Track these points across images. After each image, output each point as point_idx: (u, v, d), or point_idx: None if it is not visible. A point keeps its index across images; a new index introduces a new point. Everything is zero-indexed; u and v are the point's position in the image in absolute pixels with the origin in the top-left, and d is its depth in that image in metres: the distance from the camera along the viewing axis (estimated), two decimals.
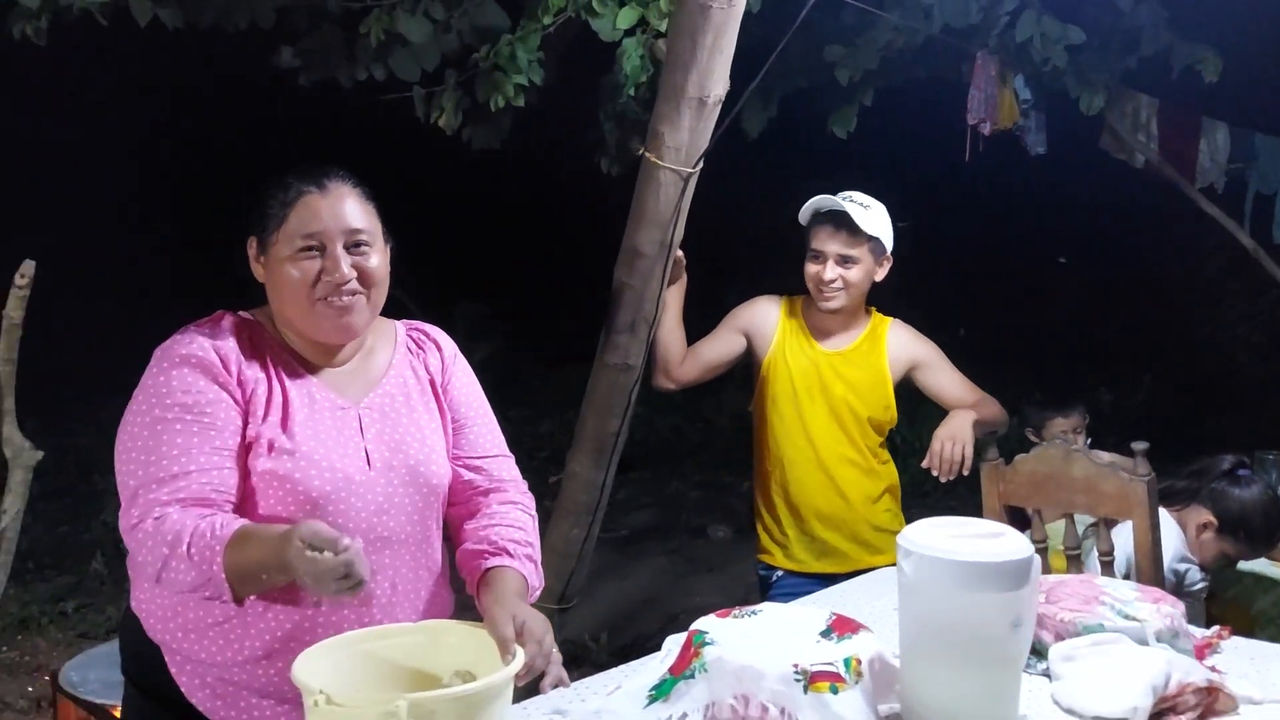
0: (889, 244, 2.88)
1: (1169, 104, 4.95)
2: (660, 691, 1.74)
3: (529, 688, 1.63)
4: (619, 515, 6.53)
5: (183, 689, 1.67)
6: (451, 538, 1.88)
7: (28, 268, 3.03)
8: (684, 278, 3.04)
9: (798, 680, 1.63)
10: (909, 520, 1.75)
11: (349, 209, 1.69)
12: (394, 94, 3.87)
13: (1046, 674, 1.86)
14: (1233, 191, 5.14)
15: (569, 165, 5.27)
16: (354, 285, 1.68)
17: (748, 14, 2.80)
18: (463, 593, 1.82)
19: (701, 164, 2.87)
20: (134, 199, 9.21)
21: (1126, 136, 4.96)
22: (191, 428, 1.59)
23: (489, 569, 1.74)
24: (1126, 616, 1.90)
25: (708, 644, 1.73)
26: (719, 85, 2.80)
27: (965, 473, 2.73)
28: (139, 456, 1.59)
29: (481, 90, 3.75)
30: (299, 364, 1.72)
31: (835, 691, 1.62)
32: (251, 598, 1.61)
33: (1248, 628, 2.97)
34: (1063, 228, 9.24)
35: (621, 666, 1.96)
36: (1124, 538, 2.64)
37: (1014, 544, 1.62)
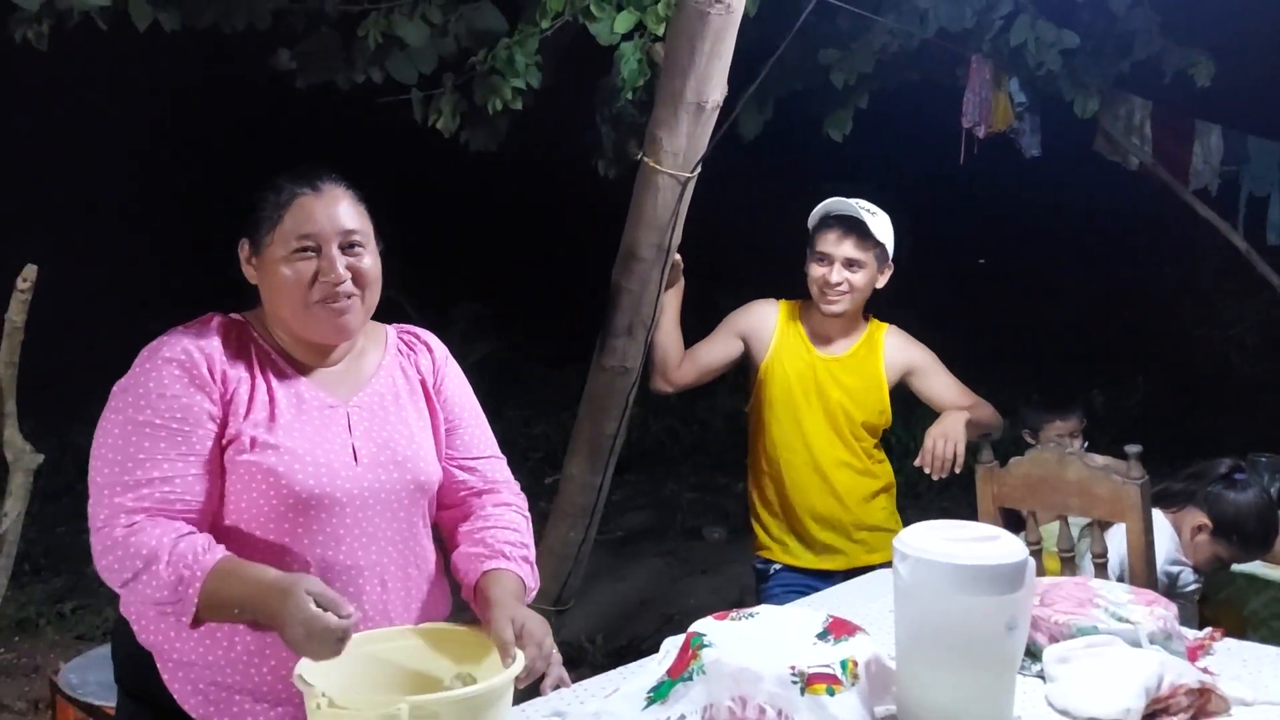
0: (891, 252, 2.90)
1: (1162, 107, 4.97)
2: (658, 693, 1.75)
3: (529, 689, 1.64)
4: (614, 517, 6.54)
5: (175, 695, 1.67)
6: (445, 540, 1.89)
7: (30, 272, 3.04)
8: (681, 281, 3.06)
9: (795, 682, 1.64)
10: (904, 520, 1.77)
11: (343, 210, 1.71)
12: (391, 97, 3.88)
13: (1041, 676, 1.88)
14: (1226, 194, 5.16)
15: (566, 168, 5.28)
16: (349, 286, 1.69)
17: (745, 18, 2.81)
18: (459, 595, 1.83)
19: (699, 168, 2.88)
20: (132, 201, 9.19)
21: (1120, 139, 4.98)
22: (159, 433, 1.60)
23: (486, 572, 1.75)
24: (1120, 619, 1.91)
25: (705, 646, 1.74)
26: (717, 90, 2.81)
27: (958, 470, 2.75)
28: (110, 455, 1.60)
29: (479, 93, 3.76)
30: (288, 364, 1.73)
31: (832, 693, 1.64)
32: None
33: (1240, 629, 2.99)
34: (1057, 230, 9.27)
35: (620, 668, 1.97)
36: (1118, 540, 2.66)
37: (1009, 547, 1.64)
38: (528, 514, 1.91)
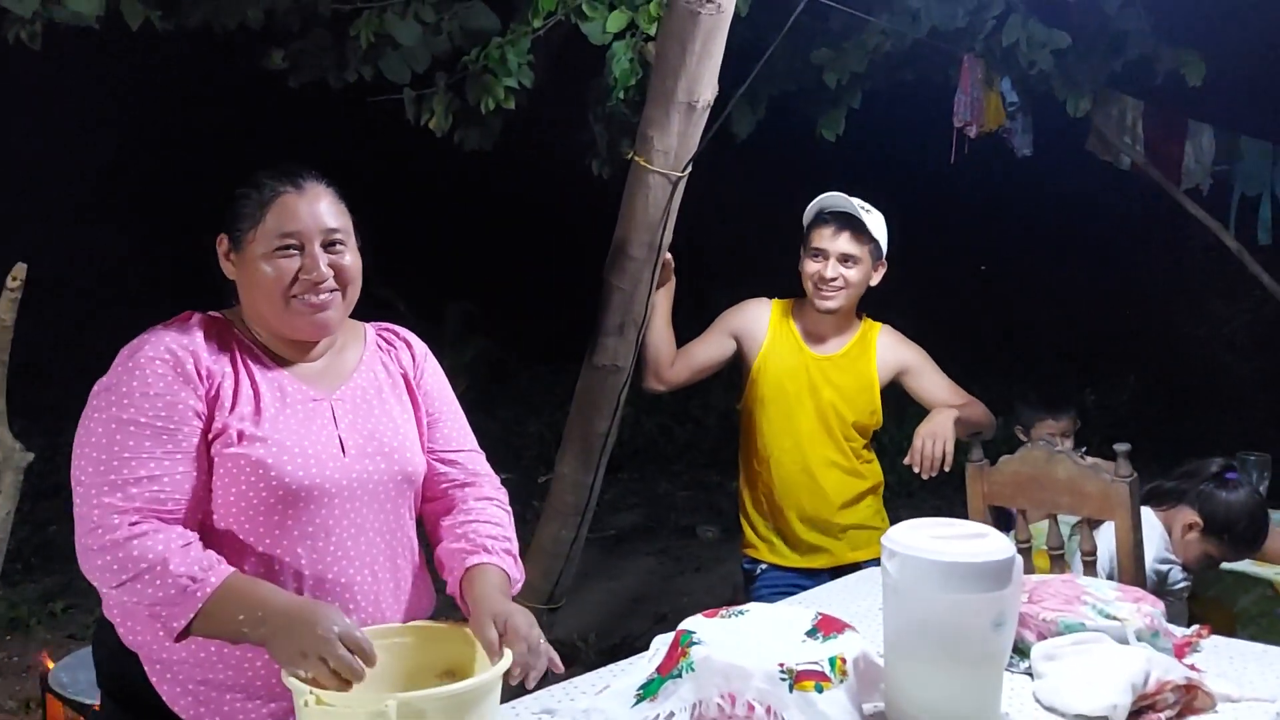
0: (885, 250, 2.91)
1: (1154, 107, 4.99)
2: (648, 690, 1.76)
3: (518, 686, 1.64)
4: (607, 516, 6.55)
5: (164, 697, 1.66)
6: (429, 534, 1.89)
7: (19, 270, 3.04)
8: (673, 280, 3.06)
9: (783, 679, 1.65)
10: (894, 519, 1.77)
11: (325, 208, 1.71)
12: (384, 96, 3.88)
13: (1029, 673, 1.89)
14: (1217, 193, 5.18)
15: (560, 167, 5.29)
16: (331, 283, 1.70)
17: (736, 18, 2.81)
18: (444, 592, 1.84)
19: (690, 168, 2.89)
20: (123, 199, 9.18)
21: (1112, 139, 5.00)
22: (144, 431, 1.59)
23: (470, 567, 1.75)
24: (1107, 616, 1.92)
25: (695, 643, 1.75)
26: (708, 90, 2.82)
27: (947, 469, 2.76)
28: (94, 455, 1.58)
29: (472, 92, 3.76)
30: (269, 359, 1.74)
31: (820, 690, 1.64)
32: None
33: (1230, 627, 3.01)
34: (1049, 229, 9.29)
35: (610, 666, 1.98)
36: (1107, 538, 2.67)
37: (996, 544, 1.65)
38: (508, 508, 1.91)
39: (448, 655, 1.65)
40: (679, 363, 3.01)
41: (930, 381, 2.97)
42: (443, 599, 1.87)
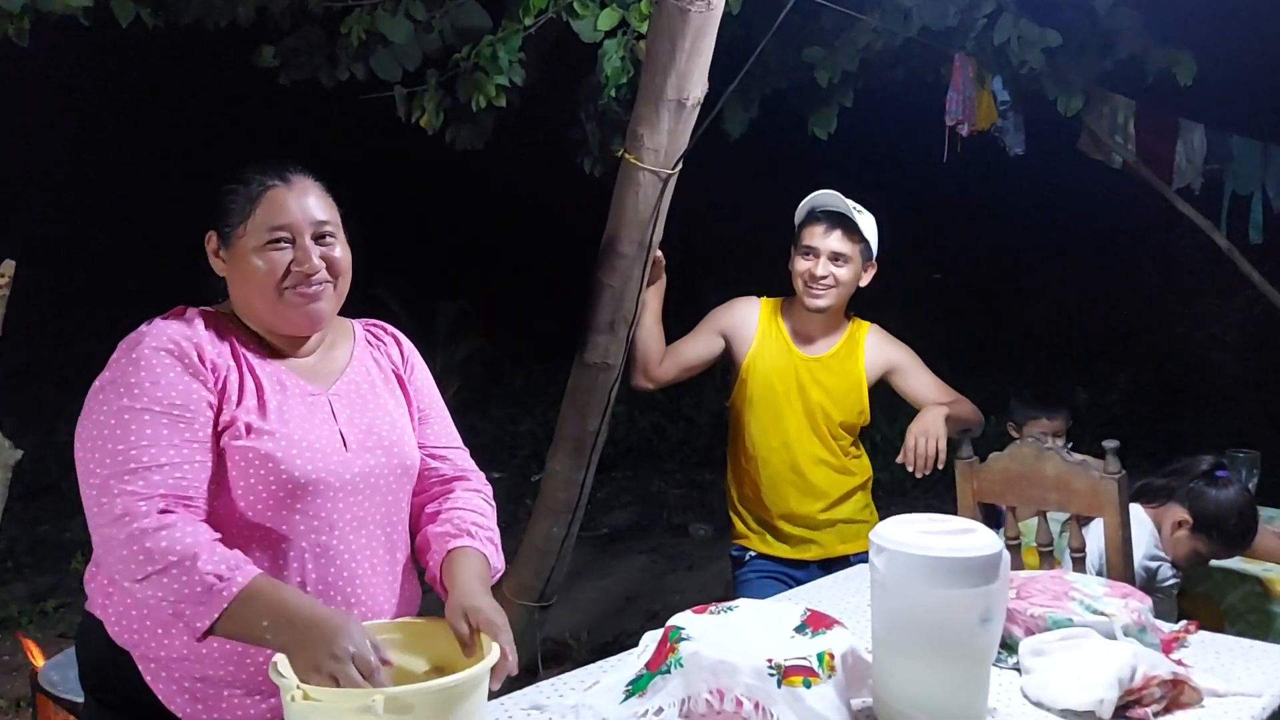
0: (875, 250, 2.92)
1: (1146, 106, 5.00)
2: (637, 686, 1.76)
3: (506, 684, 1.64)
4: (600, 514, 6.55)
5: (159, 696, 1.64)
6: (412, 524, 1.88)
7: (8, 267, 3.03)
8: (663, 278, 3.06)
9: (772, 675, 1.65)
10: (887, 517, 1.77)
11: (313, 201, 1.72)
12: (375, 94, 3.88)
13: (1017, 668, 1.90)
14: (1209, 193, 5.19)
15: (551, 165, 5.29)
16: (323, 275, 1.70)
17: (728, 16, 2.82)
18: (423, 578, 1.83)
19: (680, 165, 2.89)
20: (114, 199, 9.16)
21: (1104, 138, 5.00)
22: (161, 419, 1.57)
23: (451, 550, 1.75)
24: (1095, 611, 1.93)
25: (684, 639, 1.75)
26: (697, 87, 2.82)
27: (940, 467, 2.76)
28: (108, 446, 1.55)
29: (463, 90, 3.76)
30: (266, 352, 1.73)
31: (809, 685, 1.65)
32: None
33: (1219, 623, 3.02)
34: (1040, 228, 9.31)
35: (599, 662, 1.98)
36: (1096, 535, 2.68)
37: (983, 540, 1.65)
38: (493, 502, 1.92)
39: (435, 651, 1.65)
40: (667, 360, 3.01)
41: (918, 380, 2.98)
42: (429, 595, 1.86)
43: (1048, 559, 2.69)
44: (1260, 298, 5.54)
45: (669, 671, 1.73)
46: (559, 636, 4.49)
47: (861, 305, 3.07)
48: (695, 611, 1.88)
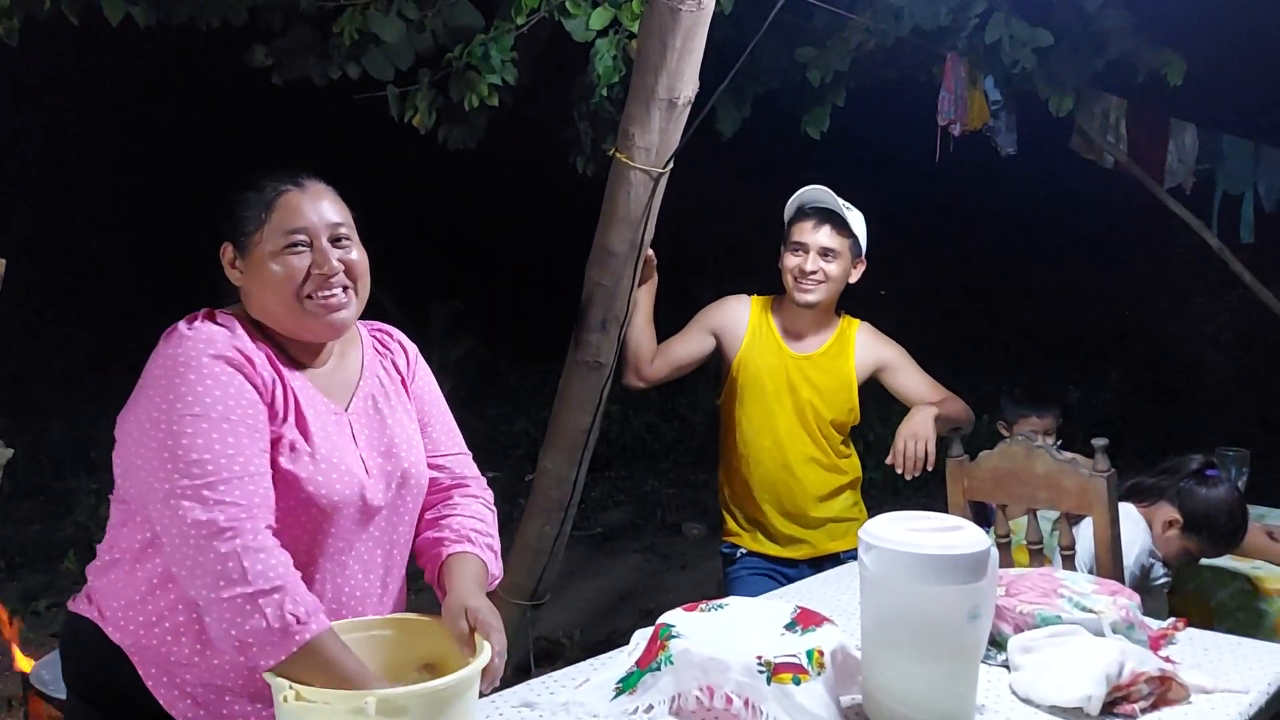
0: (864, 247, 2.93)
1: (1138, 105, 5.01)
2: (627, 684, 1.77)
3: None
4: (594, 513, 6.56)
5: (161, 700, 1.63)
6: None
7: None
8: (654, 277, 3.07)
9: (761, 672, 1.66)
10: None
11: (328, 205, 1.70)
12: (368, 93, 3.87)
13: (1006, 665, 1.91)
14: (1200, 192, 5.21)
15: (544, 164, 5.29)
16: (343, 278, 1.68)
17: (720, 16, 2.82)
18: (418, 580, 1.84)
19: (671, 164, 2.90)
20: (105, 196, 9.15)
21: (1096, 138, 5.02)
22: (239, 428, 1.54)
23: (450, 554, 1.76)
24: (1083, 608, 1.94)
25: (674, 637, 1.76)
26: (688, 87, 2.83)
27: (930, 469, 2.77)
28: (192, 456, 1.50)
29: (455, 90, 3.76)
30: (290, 363, 1.71)
31: (798, 683, 1.66)
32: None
33: (1208, 620, 3.03)
34: (1033, 227, 9.34)
35: (590, 660, 1.99)
36: (1087, 533, 2.68)
37: (971, 537, 1.66)
38: (493, 508, 1.92)
39: (427, 649, 1.65)
40: (658, 359, 3.02)
41: (908, 378, 2.99)
42: (425, 595, 1.87)
43: (1037, 557, 2.70)
44: (1252, 297, 5.56)
45: (659, 669, 1.74)
46: (552, 635, 4.50)
47: (854, 304, 3.08)
48: (686, 609, 1.89)
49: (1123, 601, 1.97)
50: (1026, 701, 1.79)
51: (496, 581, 1.80)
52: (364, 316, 1.92)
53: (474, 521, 1.83)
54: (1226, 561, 3.16)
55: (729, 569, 3.05)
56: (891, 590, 1.65)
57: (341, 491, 1.64)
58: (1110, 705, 1.74)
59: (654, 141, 2.84)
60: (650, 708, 1.72)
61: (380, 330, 1.91)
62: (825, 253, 2.87)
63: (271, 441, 1.59)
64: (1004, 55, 4.35)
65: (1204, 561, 3.06)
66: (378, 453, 1.73)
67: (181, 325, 1.62)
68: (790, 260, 2.90)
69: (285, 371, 1.67)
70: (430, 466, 1.86)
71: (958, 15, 4.32)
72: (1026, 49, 4.29)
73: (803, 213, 2.91)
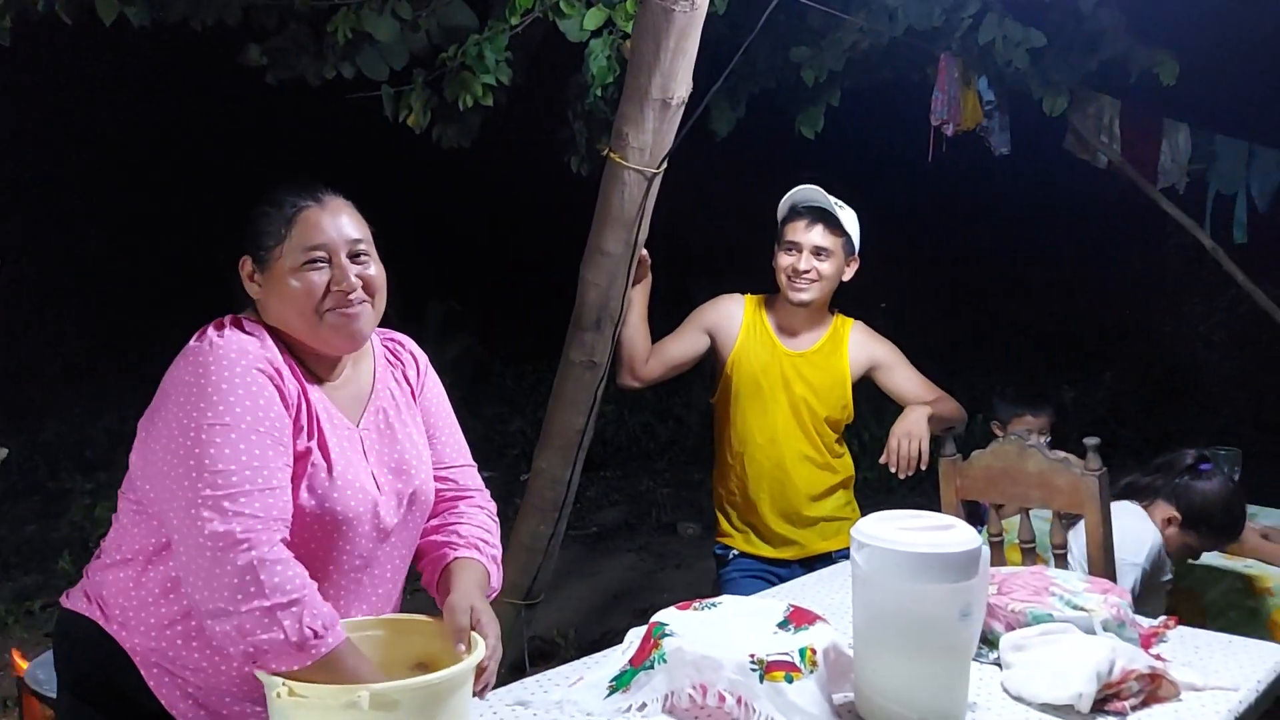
0: (857, 246, 2.94)
1: (1132, 106, 5.03)
2: (621, 682, 1.78)
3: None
4: (589, 513, 6.57)
5: (162, 700, 1.63)
6: None
7: None
8: (649, 277, 3.07)
9: (754, 670, 1.67)
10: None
11: (347, 220, 1.71)
12: (362, 93, 3.88)
13: (998, 663, 1.92)
14: (1193, 192, 5.22)
15: (539, 164, 5.29)
16: (360, 294, 1.69)
17: (714, 16, 2.83)
18: (415, 582, 1.85)
19: (666, 164, 2.90)
20: (99, 198, 9.14)
21: (1089, 138, 5.03)
22: (266, 441, 1.54)
23: (456, 559, 1.77)
24: (1075, 607, 1.95)
25: (667, 635, 1.77)
26: (682, 87, 2.83)
27: (923, 468, 2.78)
28: (218, 466, 1.50)
29: (450, 89, 3.76)
30: (309, 376, 1.71)
31: (790, 681, 1.67)
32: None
33: (1201, 618, 3.04)
34: (1026, 227, 9.36)
35: (584, 658, 2.00)
36: (1082, 533, 2.69)
37: (962, 536, 1.67)
38: (497, 520, 1.92)
39: (420, 648, 1.65)
40: (653, 359, 3.02)
41: (902, 376, 3.00)
42: (420, 596, 1.88)
43: (1030, 556, 2.71)
44: (1245, 297, 5.57)
45: (653, 667, 1.75)
46: (547, 635, 4.50)
47: (848, 303, 3.09)
48: (679, 608, 1.89)
49: (1114, 599, 1.97)
50: (1018, 699, 1.80)
51: (495, 594, 1.80)
52: None
53: (481, 531, 1.84)
54: (1219, 560, 3.17)
55: (722, 570, 3.06)
56: (883, 588, 1.66)
57: (356, 509, 1.64)
58: (1101, 702, 1.75)
59: (648, 141, 2.85)
60: (644, 706, 1.73)
61: (392, 340, 1.90)
62: (818, 251, 2.88)
63: (297, 457, 1.60)
64: (997, 55, 4.36)
65: (1196, 559, 3.07)
66: (388, 469, 1.73)
67: (211, 331, 1.62)
68: (783, 259, 2.91)
69: (305, 385, 1.68)
70: (435, 478, 1.86)
71: (951, 16, 4.33)
72: (1020, 49, 4.31)
73: (795, 212, 2.92)
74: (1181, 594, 3.12)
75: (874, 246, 3.00)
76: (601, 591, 5.36)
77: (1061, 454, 2.65)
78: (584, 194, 3.28)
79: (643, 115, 2.82)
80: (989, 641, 1.94)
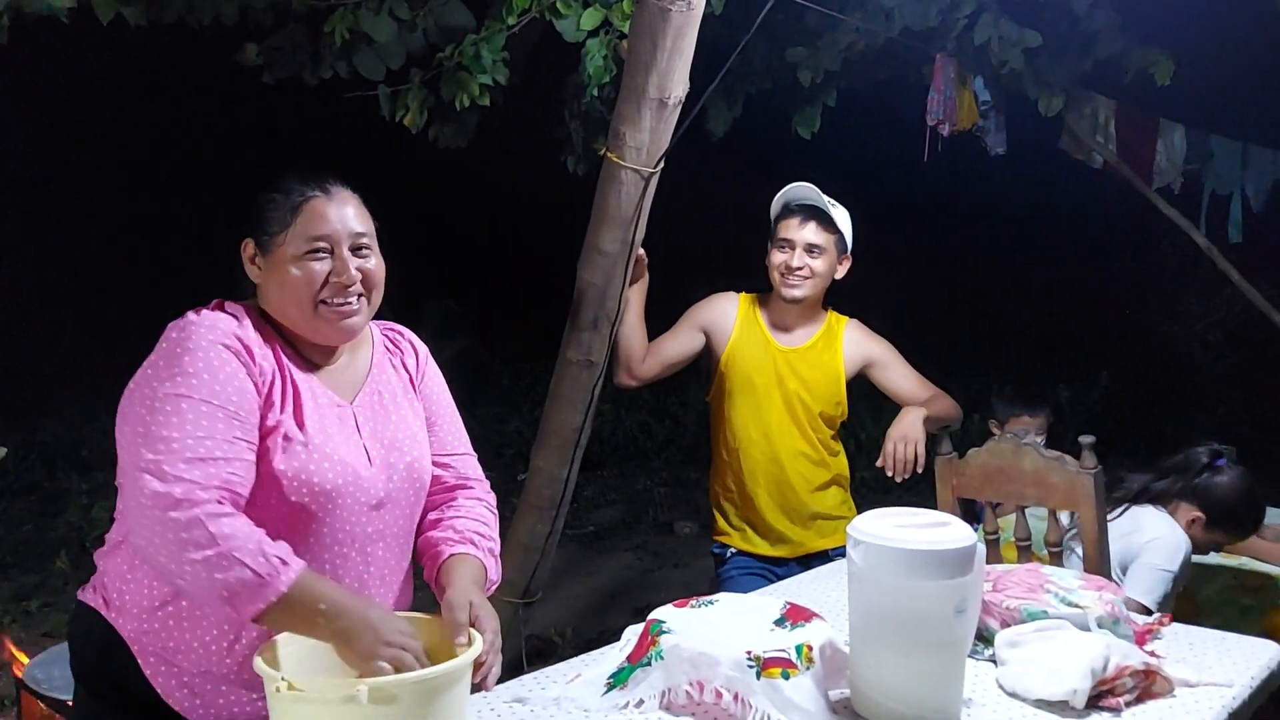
0: (849, 244, 2.95)
1: (1128, 106, 5.04)
2: (618, 679, 1.78)
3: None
4: (586, 512, 6.58)
5: (159, 690, 1.65)
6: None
7: None
8: (646, 276, 3.08)
9: (751, 666, 1.68)
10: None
11: (352, 213, 1.73)
12: (359, 92, 3.88)
13: (993, 659, 1.92)
14: (1189, 192, 5.24)
15: (536, 164, 5.30)
16: (358, 287, 1.71)
17: (711, 15, 2.84)
18: (416, 577, 1.86)
19: (663, 164, 2.91)
20: (96, 197, 9.13)
21: (1085, 138, 5.05)
22: (218, 413, 1.56)
23: (452, 554, 1.78)
24: (1069, 603, 1.96)
25: (664, 632, 1.78)
26: (679, 86, 2.84)
27: (919, 471, 2.79)
28: (164, 434, 1.52)
29: (446, 89, 3.77)
30: (300, 359, 1.74)
31: (787, 677, 1.67)
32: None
33: (1195, 615, 3.05)
34: (1022, 227, 9.37)
35: (582, 656, 2.00)
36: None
37: (958, 533, 1.68)
38: (496, 511, 1.94)
39: (421, 644, 1.66)
40: (650, 358, 3.03)
41: (897, 374, 3.01)
42: (423, 593, 1.88)
43: (1025, 554, 2.72)
44: (1240, 296, 5.59)
45: (650, 664, 1.76)
46: (544, 633, 4.51)
47: (845, 302, 3.10)
48: (676, 605, 1.90)
49: (1108, 596, 1.99)
50: (1013, 695, 1.81)
51: (494, 587, 1.81)
52: None
53: (477, 524, 1.85)
54: (1213, 557, 3.18)
55: (720, 569, 3.07)
56: (879, 585, 1.67)
57: (334, 480, 1.65)
58: (1095, 699, 1.76)
59: (645, 141, 2.86)
60: (641, 702, 1.74)
61: (391, 329, 1.93)
62: (811, 249, 2.89)
63: (267, 431, 1.62)
64: (993, 56, 4.38)
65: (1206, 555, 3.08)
66: (381, 444, 1.75)
67: (190, 312, 1.66)
68: (777, 256, 2.92)
69: (291, 366, 1.70)
70: (435, 465, 1.87)
71: (947, 16, 4.35)
72: (1015, 49, 4.32)
73: (788, 209, 2.93)
74: (1182, 591, 3.13)
75: (871, 246, 3.01)
76: (599, 590, 5.37)
77: (1056, 452, 2.66)
78: (581, 193, 3.29)
79: (640, 115, 2.83)
80: (984, 638, 1.95)
